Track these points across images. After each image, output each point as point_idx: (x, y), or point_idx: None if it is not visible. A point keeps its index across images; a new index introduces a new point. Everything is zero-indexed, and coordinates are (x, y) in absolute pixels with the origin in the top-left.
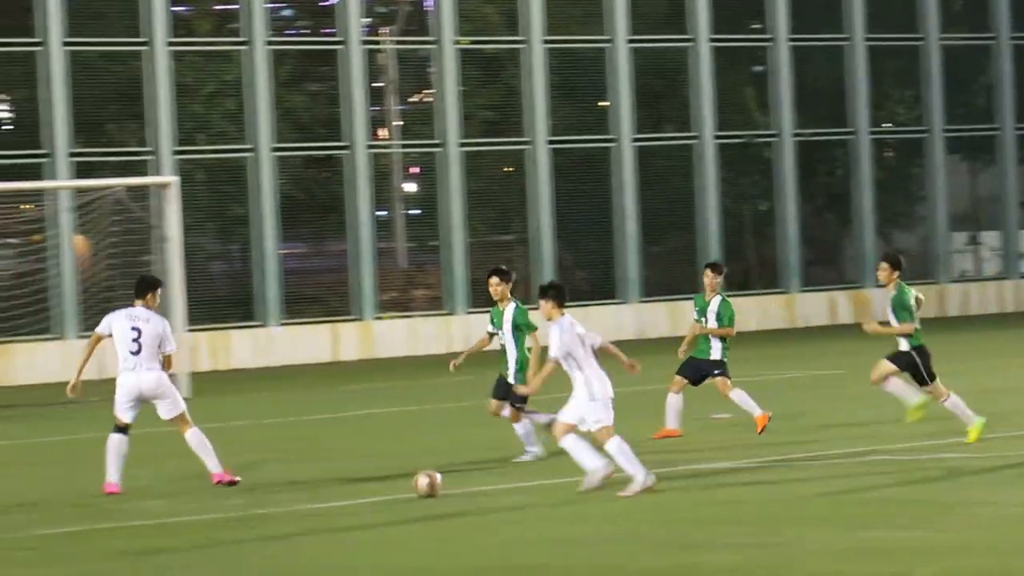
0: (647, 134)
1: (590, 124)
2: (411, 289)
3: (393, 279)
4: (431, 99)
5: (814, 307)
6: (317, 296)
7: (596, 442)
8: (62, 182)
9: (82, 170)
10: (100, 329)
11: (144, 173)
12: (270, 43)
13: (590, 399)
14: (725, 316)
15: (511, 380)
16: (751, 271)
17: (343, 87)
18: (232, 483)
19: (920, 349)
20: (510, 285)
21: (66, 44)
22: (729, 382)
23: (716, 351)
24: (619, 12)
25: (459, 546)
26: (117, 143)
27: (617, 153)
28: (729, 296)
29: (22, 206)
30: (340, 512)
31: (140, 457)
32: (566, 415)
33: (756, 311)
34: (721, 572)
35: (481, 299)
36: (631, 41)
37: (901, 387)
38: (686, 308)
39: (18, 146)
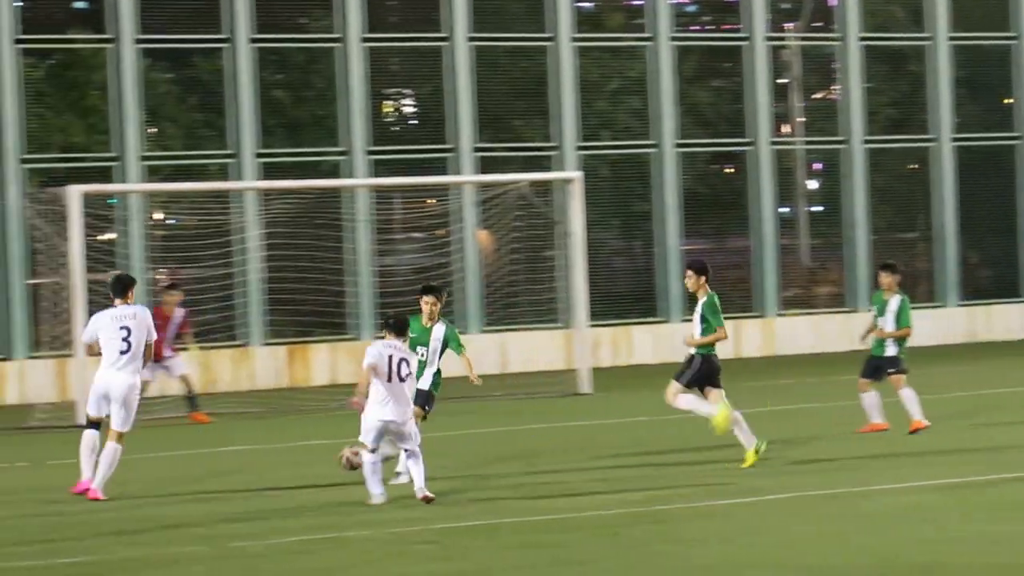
0: None
1: (995, 121)
2: (813, 286)
3: (796, 276)
4: (835, 95)
5: None
6: (719, 293)
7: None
8: (467, 177)
9: (486, 165)
10: (86, 338)
11: (548, 168)
12: (674, 39)
13: None
14: (903, 317)
15: (426, 387)
16: None
17: (747, 83)
18: (94, 498)
19: (708, 358)
20: (441, 304)
21: (471, 39)
22: (903, 379)
23: (891, 349)
24: None
25: (881, 542)
26: (521, 138)
27: (1022, 150)
28: None
29: (427, 200)
30: (739, 508)
31: (572, 453)
32: None
33: None
34: None
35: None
36: None
37: (692, 402)
38: None
39: (424, 140)
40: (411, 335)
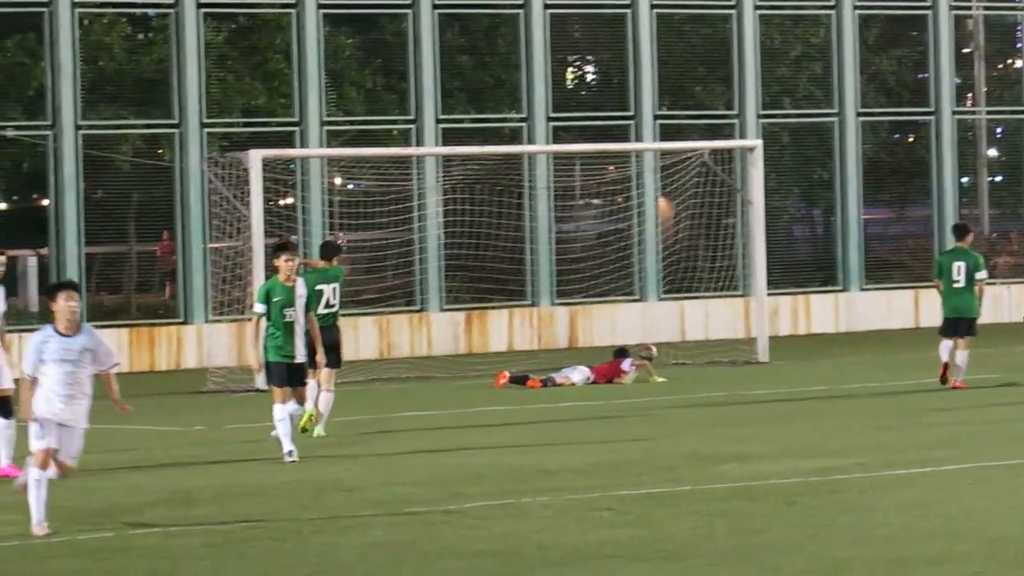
0: None
1: None
2: (993, 256)
3: (976, 246)
4: (1018, 65)
5: None
6: (900, 261)
7: None
8: (647, 144)
9: (667, 132)
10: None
11: (729, 136)
12: (858, 7)
13: None
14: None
15: (300, 359)
16: None
17: (930, 52)
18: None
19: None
20: (298, 259)
21: (654, 6)
22: None
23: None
24: None
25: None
26: (703, 105)
27: None
28: None
29: (607, 167)
30: (918, 478)
31: (749, 421)
32: None
33: None
34: None
35: None
36: None
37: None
38: None
39: (606, 107)
40: (275, 299)
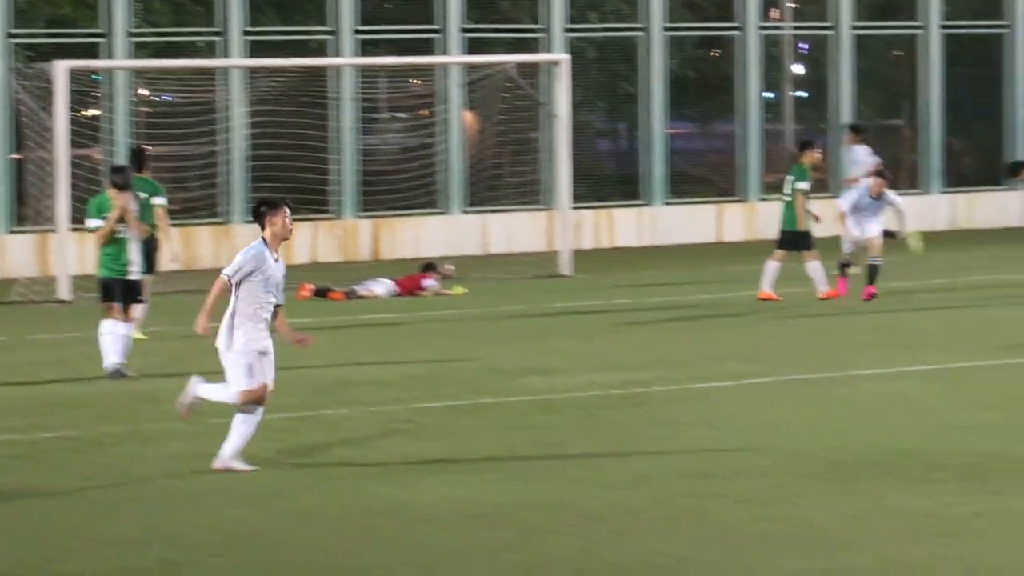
0: None
1: (985, 9)
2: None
3: (779, 161)
4: None
5: None
6: (703, 176)
7: None
8: (453, 57)
9: (474, 46)
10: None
11: (535, 50)
12: None
13: None
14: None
15: (134, 276)
16: None
17: None
18: None
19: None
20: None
21: None
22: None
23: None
24: None
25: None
26: (509, 19)
27: (1010, 39)
28: None
29: (413, 80)
30: (720, 392)
31: (551, 335)
32: None
33: None
34: None
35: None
36: None
37: None
38: None
39: (411, 20)
40: (105, 214)
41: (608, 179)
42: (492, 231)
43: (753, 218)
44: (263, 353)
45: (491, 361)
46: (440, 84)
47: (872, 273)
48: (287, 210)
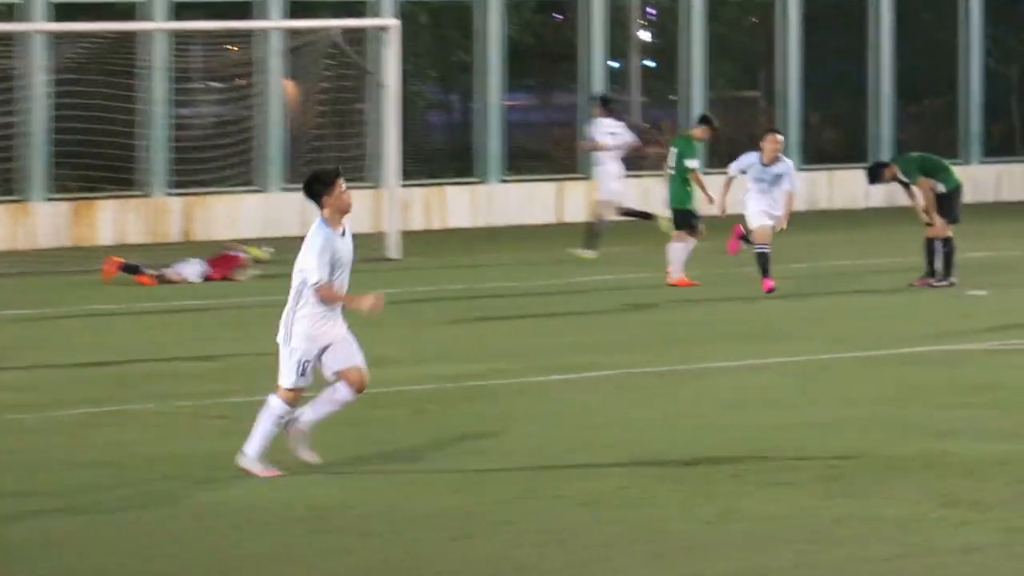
0: None
1: None
2: (644, 147)
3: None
4: None
5: None
6: (543, 151)
7: None
8: (274, 22)
9: (296, 10)
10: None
11: (363, 15)
12: None
13: None
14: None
15: None
16: (1016, 134)
17: None
18: None
19: None
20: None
21: None
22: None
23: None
24: None
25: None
26: None
27: (874, 5)
28: (990, 162)
29: (229, 47)
30: (561, 386)
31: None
32: None
33: (1018, 179)
34: (976, 464)
35: (718, 159)
36: None
37: None
38: None
39: None
40: None
41: (440, 154)
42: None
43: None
44: (331, 344)
45: None
46: (259, 51)
47: (763, 263)
48: (342, 180)
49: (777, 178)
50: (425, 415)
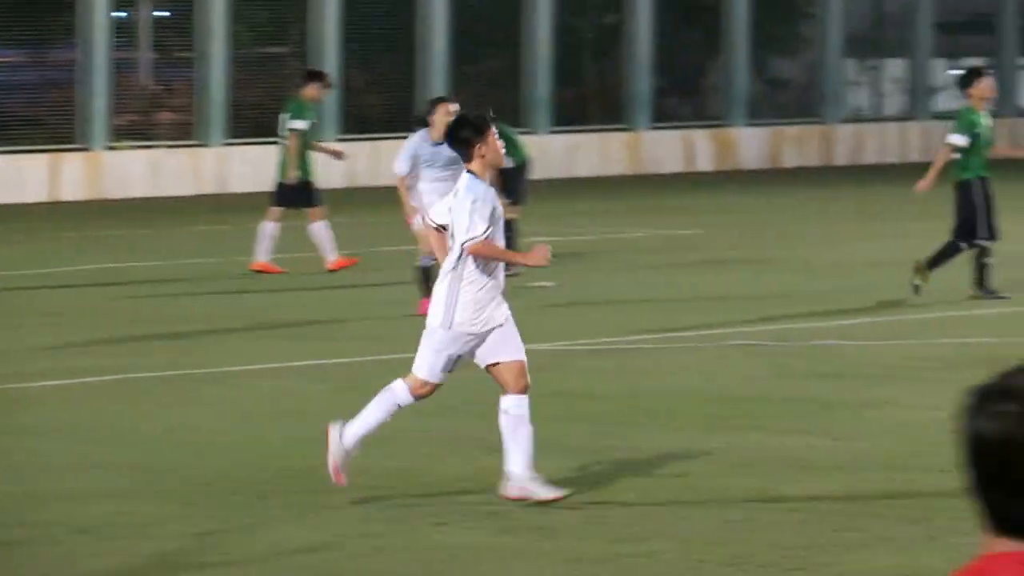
0: None
1: None
2: (154, 112)
3: (132, 99)
4: None
5: (666, 148)
6: (33, 118)
7: None
8: None
9: None
10: None
11: None
12: None
13: None
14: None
15: None
16: (589, 101)
17: None
18: None
19: None
20: None
21: None
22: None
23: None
24: None
25: None
26: None
27: None
28: (561, 131)
29: None
30: (52, 393)
31: None
32: None
33: (594, 151)
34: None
35: (243, 128)
36: None
37: None
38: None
39: None
40: None
41: None
42: None
43: (98, 172)
44: (494, 329)
45: None
46: None
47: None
48: (495, 128)
49: (454, 160)
50: None
